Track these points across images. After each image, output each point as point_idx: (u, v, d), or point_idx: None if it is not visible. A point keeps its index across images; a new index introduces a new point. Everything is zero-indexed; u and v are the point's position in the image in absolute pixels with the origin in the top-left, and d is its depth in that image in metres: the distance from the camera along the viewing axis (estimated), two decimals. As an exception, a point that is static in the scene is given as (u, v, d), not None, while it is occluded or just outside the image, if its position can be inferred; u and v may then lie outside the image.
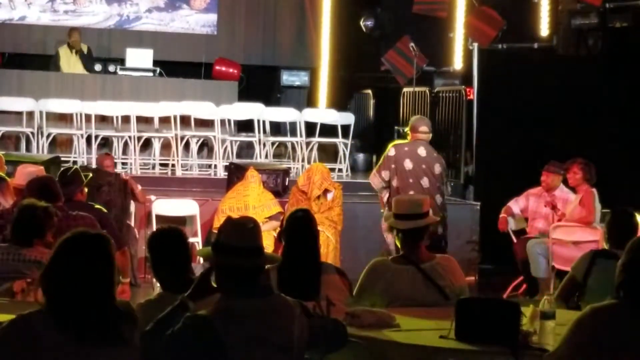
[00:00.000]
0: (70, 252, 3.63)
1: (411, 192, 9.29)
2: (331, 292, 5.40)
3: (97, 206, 8.01)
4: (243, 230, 4.21)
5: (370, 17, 16.44)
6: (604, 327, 4.02)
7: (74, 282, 3.55)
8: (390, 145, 9.87)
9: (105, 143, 14.06)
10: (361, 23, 16.39)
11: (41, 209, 5.97)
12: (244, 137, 14.49)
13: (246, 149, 14.57)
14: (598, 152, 10.89)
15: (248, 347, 3.98)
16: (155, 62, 15.10)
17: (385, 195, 9.69)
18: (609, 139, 12.16)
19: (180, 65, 16.03)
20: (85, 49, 15.00)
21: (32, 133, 13.61)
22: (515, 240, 10.56)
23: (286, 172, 12.38)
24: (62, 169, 8.68)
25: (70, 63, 14.89)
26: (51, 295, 3.60)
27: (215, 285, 4.23)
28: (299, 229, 5.66)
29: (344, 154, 14.38)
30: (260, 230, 4.30)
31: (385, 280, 5.72)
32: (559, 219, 10.14)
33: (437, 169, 9.67)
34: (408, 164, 9.53)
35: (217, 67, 15.90)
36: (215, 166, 14.07)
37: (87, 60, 14.97)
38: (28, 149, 13.59)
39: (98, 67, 15.09)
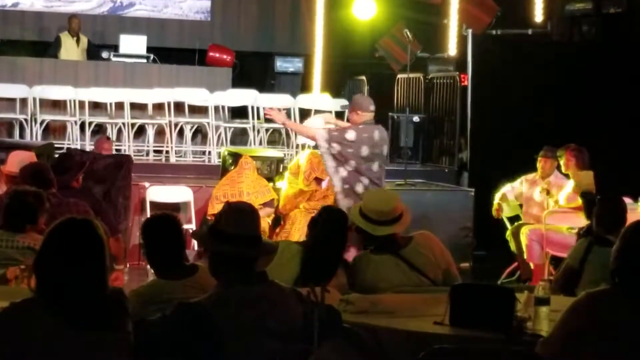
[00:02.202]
0: (58, 238, 3.62)
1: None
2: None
3: (91, 193, 8.01)
4: (244, 217, 4.20)
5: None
6: (599, 312, 4.02)
7: (64, 269, 3.54)
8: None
9: (99, 130, 14.04)
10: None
11: (32, 194, 5.96)
12: (238, 124, 14.47)
13: (240, 136, 14.55)
14: (592, 138, 10.89)
15: (243, 334, 3.97)
16: (149, 49, 15.08)
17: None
18: (603, 125, 12.16)
19: (174, 52, 16.02)
20: (85, 40, 15.02)
21: (26, 120, 13.58)
22: (509, 227, 10.57)
23: (280, 158, 12.35)
24: (57, 155, 8.66)
25: (69, 49, 14.89)
26: (43, 283, 3.59)
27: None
28: (333, 231, 5.81)
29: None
30: (259, 218, 4.29)
31: (371, 272, 5.75)
32: (553, 205, 10.14)
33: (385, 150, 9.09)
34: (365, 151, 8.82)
35: (211, 54, 15.88)
36: (210, 153, 14.05)
37: (91, 50, 15.04)
38: (22, 135, 13.56)
39: (105, 54, 15.11)
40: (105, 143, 11.10)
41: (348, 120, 9.47)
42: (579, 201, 9.84)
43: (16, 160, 8.16)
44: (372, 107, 8.90)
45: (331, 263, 5.68)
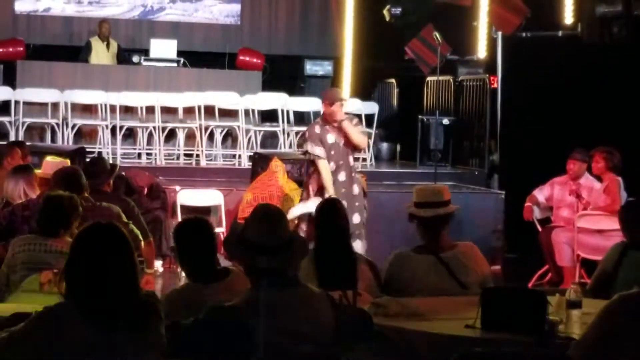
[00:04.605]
0: (83, 243, 3.66)
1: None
2: (359, 282, 5.44)
3: (123, 197, 8.06)
4: (268, 225, 4.19)
5: (395, 5, 16.38)
6: (632, 315, 4.01)
7: (89, 273, 3.58)
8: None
9: (130, 134, 14.12)
10: (385, 11, 16.33)
11: (67, 199, 5.99)
12: (268, 127, 14.50)
13: (270, 139, 14.58)
14: (623, 140, 10.84)
15: (275, 338, 3.99)
16: (179, 53, 15.16)
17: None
18: (634, 127, 12.09)
19: (204, 56, 16.08)
20: (115, 45, 15.12)
21: (57, 124, 13.66)
22: (540, 229, 10.53)
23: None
24: (88, 159, 8.71)
25: (100, 54, 15.00)
26: (71, 287, 3.63)
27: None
28: (327, 219, 5.73)
29: (368, 144, 14.34)
30: (287, 223, 4.29)
31: (408, 271, 5.74)
32: (584, 208, 10.10)
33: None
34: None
35: (241, 57, 15.93)
36: (240, 156, 14.08)
37: (120, 54, 15.16)
38: (53, 139, 13.65)
39: (136, 58, 15.19)
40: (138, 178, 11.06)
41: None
42: (610, 203, 9.81)
43: (50, 165, 8.24)
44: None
45: (340, 255, 5.64)
